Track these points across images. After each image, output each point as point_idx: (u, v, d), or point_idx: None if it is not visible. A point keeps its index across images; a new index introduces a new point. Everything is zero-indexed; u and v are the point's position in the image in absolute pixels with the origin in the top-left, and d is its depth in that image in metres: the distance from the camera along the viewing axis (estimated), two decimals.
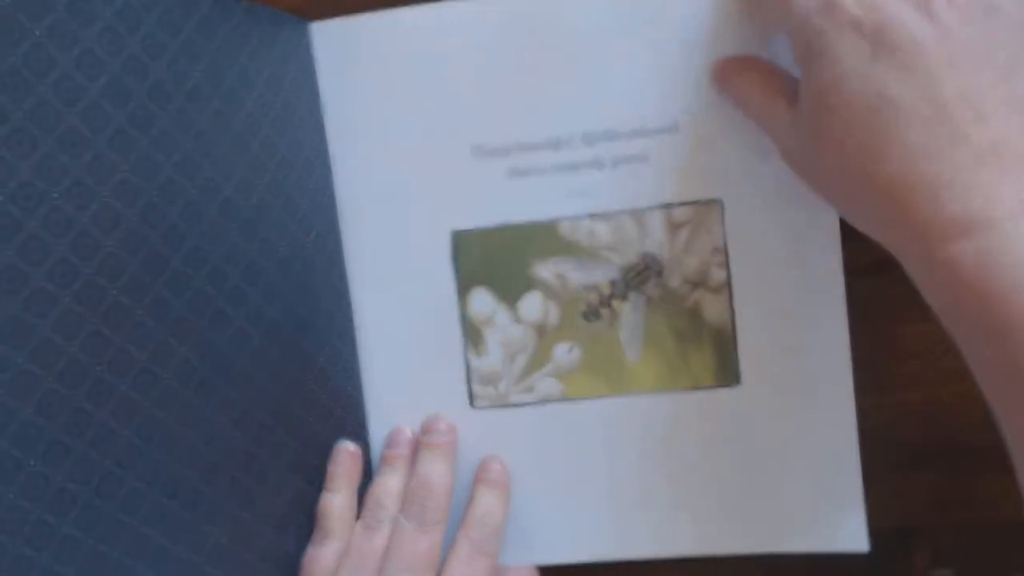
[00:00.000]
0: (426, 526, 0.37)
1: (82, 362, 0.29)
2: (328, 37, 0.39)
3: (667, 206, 0.38)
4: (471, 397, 0.40)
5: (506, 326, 0.40)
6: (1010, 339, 0.26)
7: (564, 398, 0.40)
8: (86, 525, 0.29)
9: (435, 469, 0.39)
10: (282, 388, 0.37)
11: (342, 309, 0.40)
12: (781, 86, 0.34)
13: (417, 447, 0.40)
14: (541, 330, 0.39)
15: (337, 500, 0.39)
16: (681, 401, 0.39)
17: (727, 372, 0.38)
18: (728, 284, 0.38)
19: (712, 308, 0.38)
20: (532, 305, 0.39)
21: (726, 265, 0.38)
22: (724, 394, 0.38)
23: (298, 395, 0.37)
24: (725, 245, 0.38)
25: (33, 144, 0.27)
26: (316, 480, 0.39)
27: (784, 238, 0.37)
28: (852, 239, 0.36)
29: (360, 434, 0.41)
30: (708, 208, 0.38)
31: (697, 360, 0.39)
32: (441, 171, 0.39)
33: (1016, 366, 0.26)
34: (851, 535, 0.38)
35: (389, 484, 0.39)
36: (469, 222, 0.39)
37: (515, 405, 0.40)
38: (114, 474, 0.30)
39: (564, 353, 0.39)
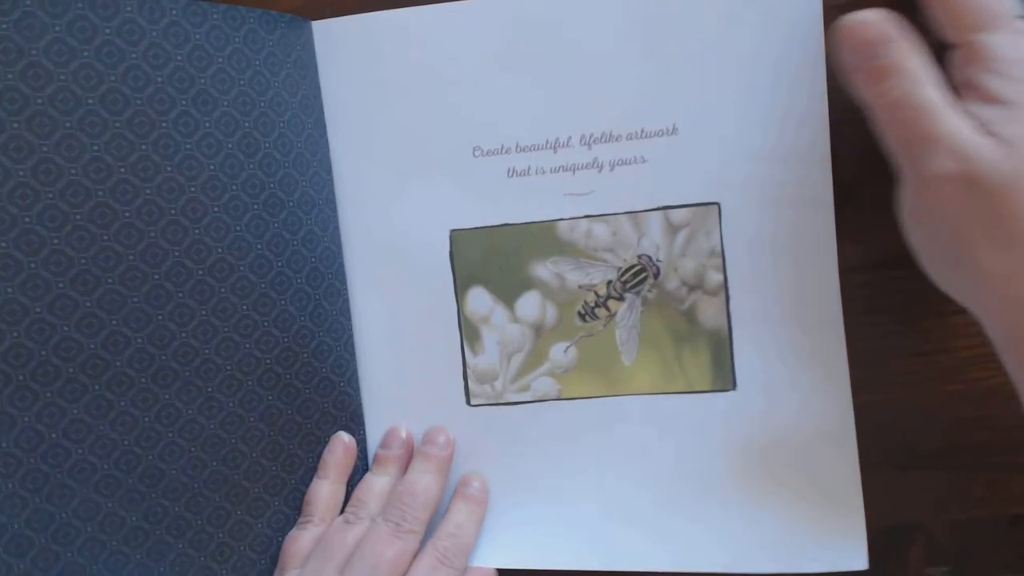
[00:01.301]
0: (400, 532, 0.37)
1: (27, 346, 0.32)
2: (329, 36, 0.39)
3: (665, 208, 0.38)
4: (467, 395, 0.40)
5: (503, 325, 0.40)
6: None
7: (560, 398, 0.40)
8: (33, 487, 0.33)
9: (423, 479, 0.39)
10: (256, 380, 0.38)
11: (337, 306, 0.40)
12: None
13: (413, 450, 0.41)
14: (538, 329, 0.40)
15: (324, 487, 0.40)
16: (676, 404, 0.39)
17: (723, 376, 0.38)
18: (725, 287, 0.38)
19: (708, 311, 0.38)
20: (530, 304, 0.40)
21: (723, 268, 0.38)
22: (720, 399, 0.38)
23: (276, 388, 0.38)
24: (722, 248, 0.38)
25: None
26: (297, 469, 0.40)
27: (781, 241, 0.37)
28: (848, 237, 0.37)
29: (353, 428, 0.41)
30: (707, 211, 0.38)
31: (692, 363, 0.39)
32: (441, 170, 0.39)
33: None
34: (850, 553, 0.37)
35: (376, 484, 0.40)
36: (468, 221, 0.39)
37: (511, 404, 0.40)
38: (61, 445, 0.34)
39: (561, 353, 0.40)
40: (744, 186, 0.37)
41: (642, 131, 0.38)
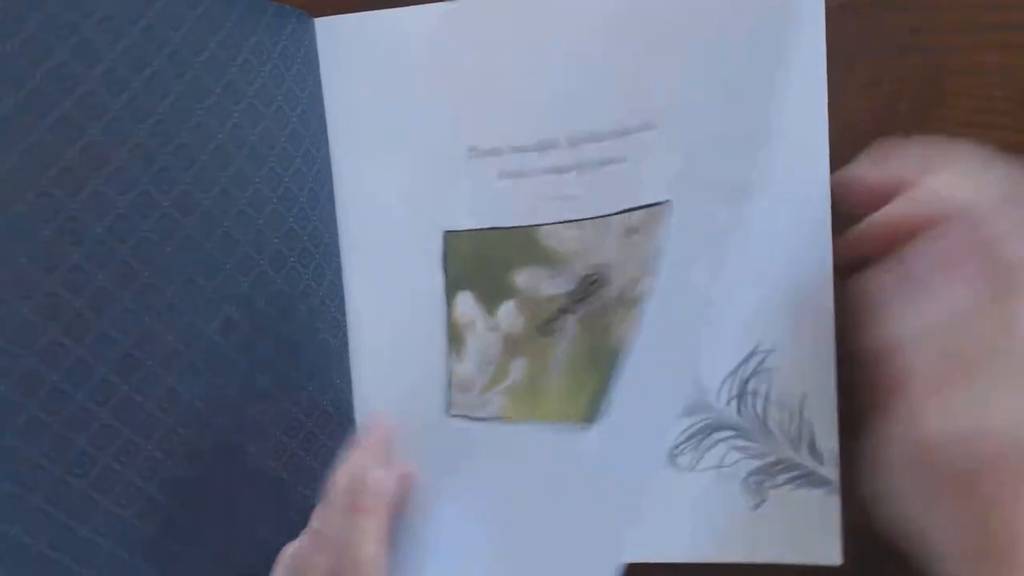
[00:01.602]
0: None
1: (64, 344, 0.31)
2: (331, 33, 0.40)
3: (627, 211, 0.34)
4: (448, 404, 0.38)
5: (483, 333, 0.38)
6: None
7: (498, 417, 0.36)
8: (56, 500, 0.31)
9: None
10: (269, 378, 0.38)
11: (335, 303, 0.40)
12: None
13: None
14: (507, 341, 0.37)
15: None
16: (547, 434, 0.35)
17: (593, 408, 0.34)
18: (644, 296, 0.33)
19: (620, 325, 0.34)
20: (507, 313, 0.37)
21: (653, 273, 0.33)
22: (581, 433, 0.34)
23: (284, 387, 0.38)
24: (661, 251, 0.33)
25: (26, 131, 0.30)
26: (297, 470, 0.39)
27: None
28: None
29: (347, 427, 0.40)
30: (657, 211, 0.33)
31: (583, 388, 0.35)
32: (437, 171, 0.38)
33: None
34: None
35: None
36: (461, 223, 0.38)
37: (473, 419, 0.37)
38: (88, 453, 0.32)
39: (517, 369, 0.36)
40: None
41: (623, 129, 0.34)
